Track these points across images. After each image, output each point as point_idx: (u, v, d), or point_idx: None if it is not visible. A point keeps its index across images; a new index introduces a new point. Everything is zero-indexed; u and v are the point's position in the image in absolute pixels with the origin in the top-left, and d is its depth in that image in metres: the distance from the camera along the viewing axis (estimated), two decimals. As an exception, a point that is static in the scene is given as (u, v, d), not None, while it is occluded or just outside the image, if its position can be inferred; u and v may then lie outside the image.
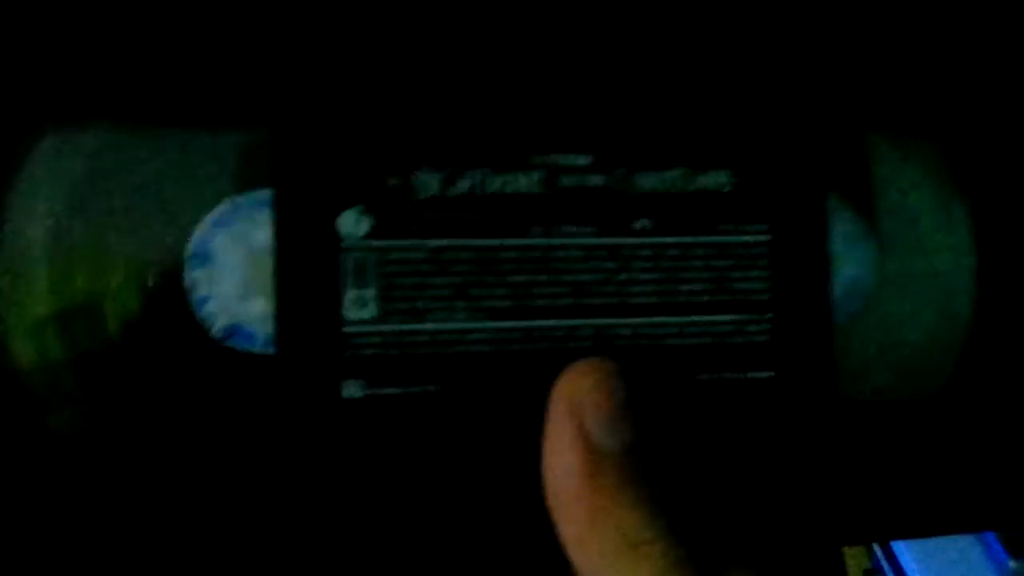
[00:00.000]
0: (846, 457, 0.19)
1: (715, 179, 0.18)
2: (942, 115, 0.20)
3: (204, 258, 0.18)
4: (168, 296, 0.17)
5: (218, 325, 0.17)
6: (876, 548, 0.41)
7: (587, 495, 0.16)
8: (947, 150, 0.20)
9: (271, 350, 0.17)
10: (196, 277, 0.17)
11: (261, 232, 0.17)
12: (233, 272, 0.18)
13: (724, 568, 0.16)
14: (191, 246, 0.18)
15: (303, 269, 0.17)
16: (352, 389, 0.17)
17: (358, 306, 0.17)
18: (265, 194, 0.17)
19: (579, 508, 0.16)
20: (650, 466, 0.16)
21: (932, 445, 0.19)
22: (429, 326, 0.17)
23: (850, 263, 0.19)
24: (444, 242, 0.17)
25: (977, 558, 0.38)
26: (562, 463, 0.16)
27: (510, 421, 0.17)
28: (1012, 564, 0.37)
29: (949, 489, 0.19)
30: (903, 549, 0.39)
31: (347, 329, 0.17)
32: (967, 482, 0.19)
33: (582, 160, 0.18)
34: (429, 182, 0.17)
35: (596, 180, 0.18)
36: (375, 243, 0.17)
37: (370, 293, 0.17)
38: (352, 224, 0.17)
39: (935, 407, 0.19)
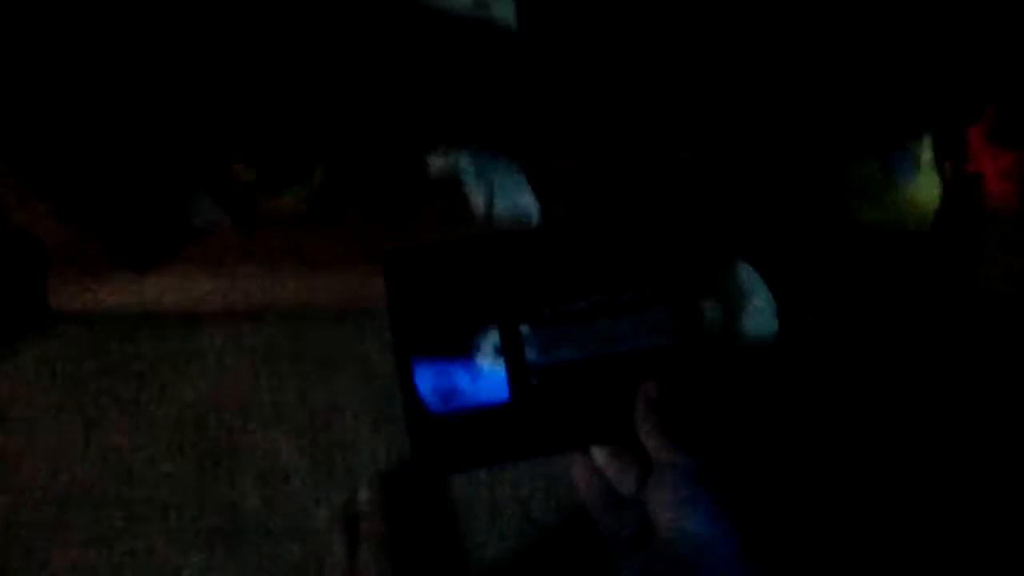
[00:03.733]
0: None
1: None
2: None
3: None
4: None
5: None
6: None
7: (646, 415, 0.50)
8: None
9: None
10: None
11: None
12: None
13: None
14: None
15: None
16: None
17: (532, 352, 0.51)
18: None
19: (646, 422, 0.49)
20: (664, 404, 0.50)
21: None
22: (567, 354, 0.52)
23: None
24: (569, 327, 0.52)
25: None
26: (640, 406, 0.50)
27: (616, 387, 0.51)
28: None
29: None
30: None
31: (528, 365, 0.51)
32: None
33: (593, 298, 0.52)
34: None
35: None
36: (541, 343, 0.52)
37: (537, 355, 0.52)
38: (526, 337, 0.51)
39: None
